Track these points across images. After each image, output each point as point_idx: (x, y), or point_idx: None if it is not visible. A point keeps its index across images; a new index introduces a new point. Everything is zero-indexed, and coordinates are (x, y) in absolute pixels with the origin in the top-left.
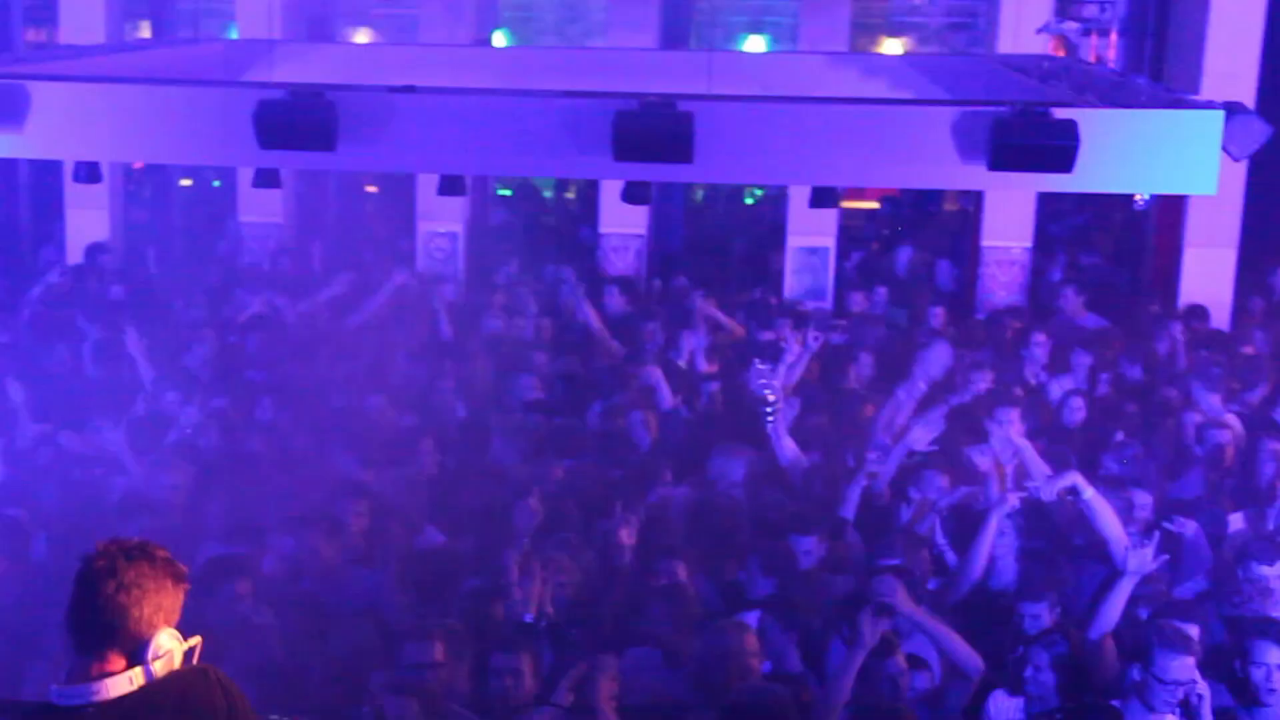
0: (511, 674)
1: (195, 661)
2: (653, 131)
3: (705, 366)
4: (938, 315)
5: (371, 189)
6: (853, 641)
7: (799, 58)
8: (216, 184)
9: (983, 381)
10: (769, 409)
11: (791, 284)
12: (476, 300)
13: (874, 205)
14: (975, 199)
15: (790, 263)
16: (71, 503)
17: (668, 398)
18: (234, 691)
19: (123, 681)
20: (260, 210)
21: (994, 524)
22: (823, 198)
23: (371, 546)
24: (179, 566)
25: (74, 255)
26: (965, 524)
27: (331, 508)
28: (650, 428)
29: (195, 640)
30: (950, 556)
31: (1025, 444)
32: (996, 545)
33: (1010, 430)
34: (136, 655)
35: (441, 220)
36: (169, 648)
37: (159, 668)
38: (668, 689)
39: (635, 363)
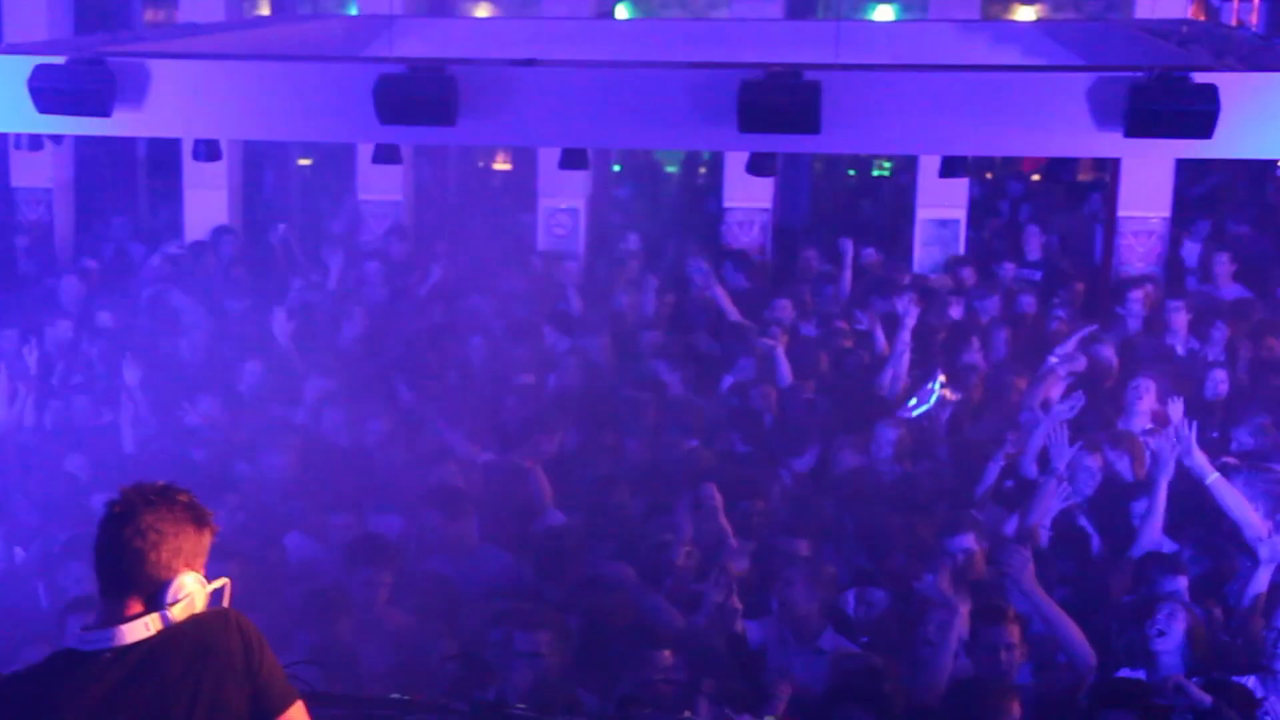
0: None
1: (225, 603)
2: (779, 102)
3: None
4: (1074, 288)
5: (493, 166)
6: (941, 616)
7: (929, 26)
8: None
9: (1119, 355)
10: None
11: (920, 257)
12: (599, 276)
13: (1008, 174)
14: (1112, 168)
15: (919, 235)
16: (185, 482)
17: (787, 374)
18: (253, 635)
19: (139, 626)
20: (379, 188)
21: (1160, 500)
22: (953, 168)
23: (496, 525)
24: (202, 511)
25: (191, 235)
26: (1108, 500)
27: (448, 484)
28: (771, 404)
29: (221, 581)
30: (1092, 533)
31: (1175, 415)
32: (1140, 520)
33: (1149, 403)
34: (155, 599)
35: (563, 196)
36: (189, 591)
37: (177, 612)
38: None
39: (759, 338)
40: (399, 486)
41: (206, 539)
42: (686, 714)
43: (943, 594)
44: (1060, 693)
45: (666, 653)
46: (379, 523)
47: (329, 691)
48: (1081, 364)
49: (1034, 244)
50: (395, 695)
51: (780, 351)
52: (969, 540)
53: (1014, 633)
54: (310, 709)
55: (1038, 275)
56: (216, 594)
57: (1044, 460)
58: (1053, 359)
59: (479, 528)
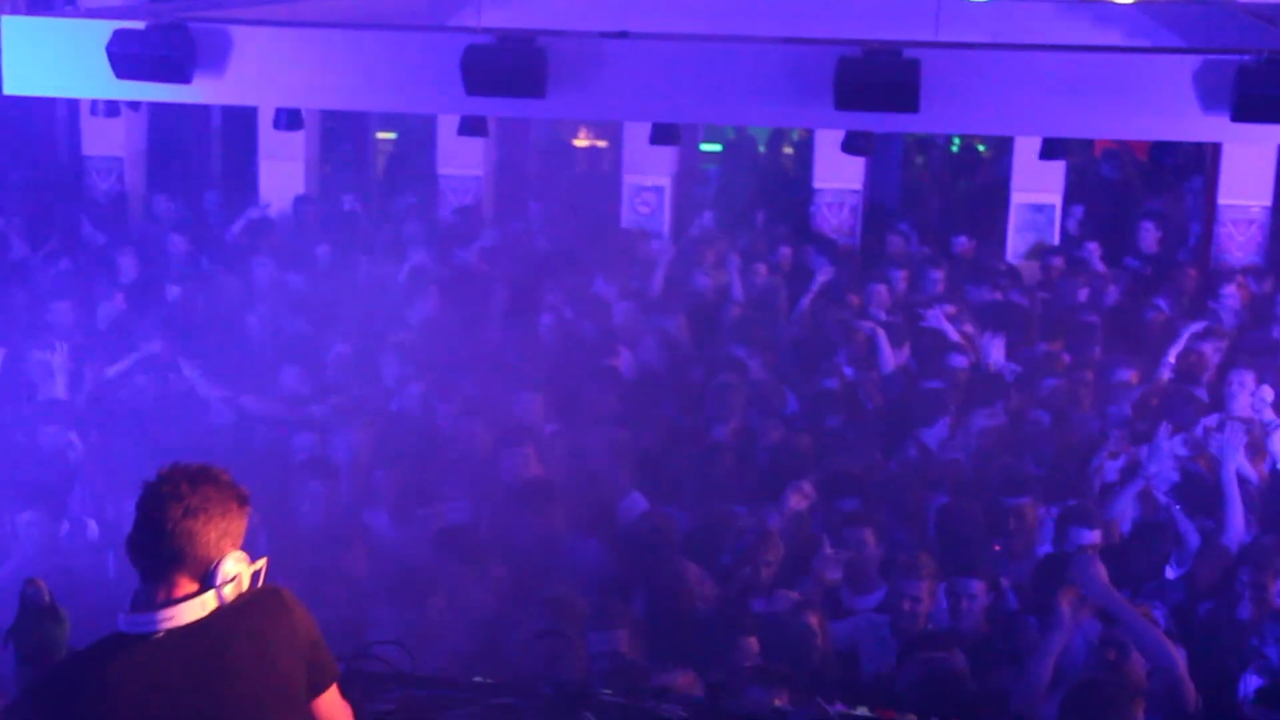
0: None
1: (261, 581)
2: (877, 79)
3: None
4: (1173, 278)
5: (575, 142)
6: (1050, 624)
7: (1030, 5)
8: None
9: (1220, 346)
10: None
11: (1014, 242)
12: (683, 256)
13: (1107, 158)
14: (1211, 155)
15: (1014, 220)
16: (253, 465)
17: (889, 359)
18: (305, 614)
19: (195, 606)
20: (459, 163)
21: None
22: (1052, 150)
23: (579, 511)
24: (242, 489)
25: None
26: (1202, 493)
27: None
28: (872, 390)
29: (262, 562)
30: (1186, 528)
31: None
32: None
33: (1249, 395)
34: (206, 579)
35: (648, 174)
36: (237, 571)
37: (229, 591)
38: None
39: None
40: (480, 468)
41: (246, 517)
42: (777, 702)
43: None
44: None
45: (753, 640)
46: (458, 507)
47: (411, 672)
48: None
49: (1132, 232)
50: (478, 678)
51: (883, 337)
52: (1095, 535)
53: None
54: (393, 688)
55: (1136, 264)
56: (258, 573)
57: (1133, 459)
58: (1170, 360)
59: (563, 515)
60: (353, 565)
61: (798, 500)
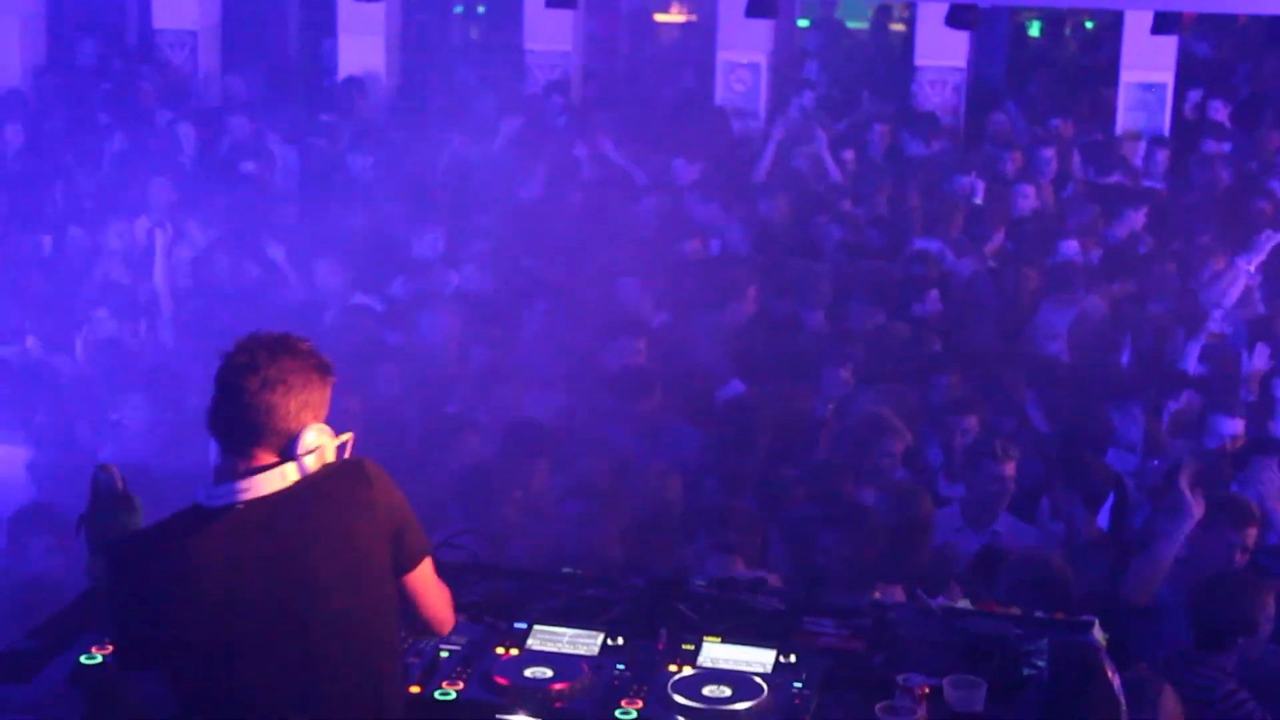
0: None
1: (348, 454)
2: None
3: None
4: None
5: (666, 16)
6: (1174, 509)
7: None
8: None
9: None
10: None
11: (1124, 122)
12: (778, 136)
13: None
14: None
15: (1123, 99)
16: (333, 348)
17: (990, 242)
18: (390, 486)
19: (274, 477)
20: (547, 38)
21: None
22: (1166, 24)
23: (676, 397)
24: (324, 359)
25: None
26: None
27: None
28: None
29: (346, 436)
30: None
31: None
32: None
33: None
34: (286, 451)
35: (743, 50)
36: (319, 443)
37: (310, 462)
38: None
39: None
40: (574, 356)
41: (329, 389)
42: (876, 594)
43: (1178, 484)
44: None
45: (850, 530)
46: (540, 399)
47: (497, 563)
48: None
49: (1247, 113)
50: (567, 569)
51: (974, 219)
52: (1238, 425)
53: (1251, 536)
54: (478, 580)
55: (1247, 146)
56: (342, 447)
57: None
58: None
59: (662, 403)
60: (436, 454)
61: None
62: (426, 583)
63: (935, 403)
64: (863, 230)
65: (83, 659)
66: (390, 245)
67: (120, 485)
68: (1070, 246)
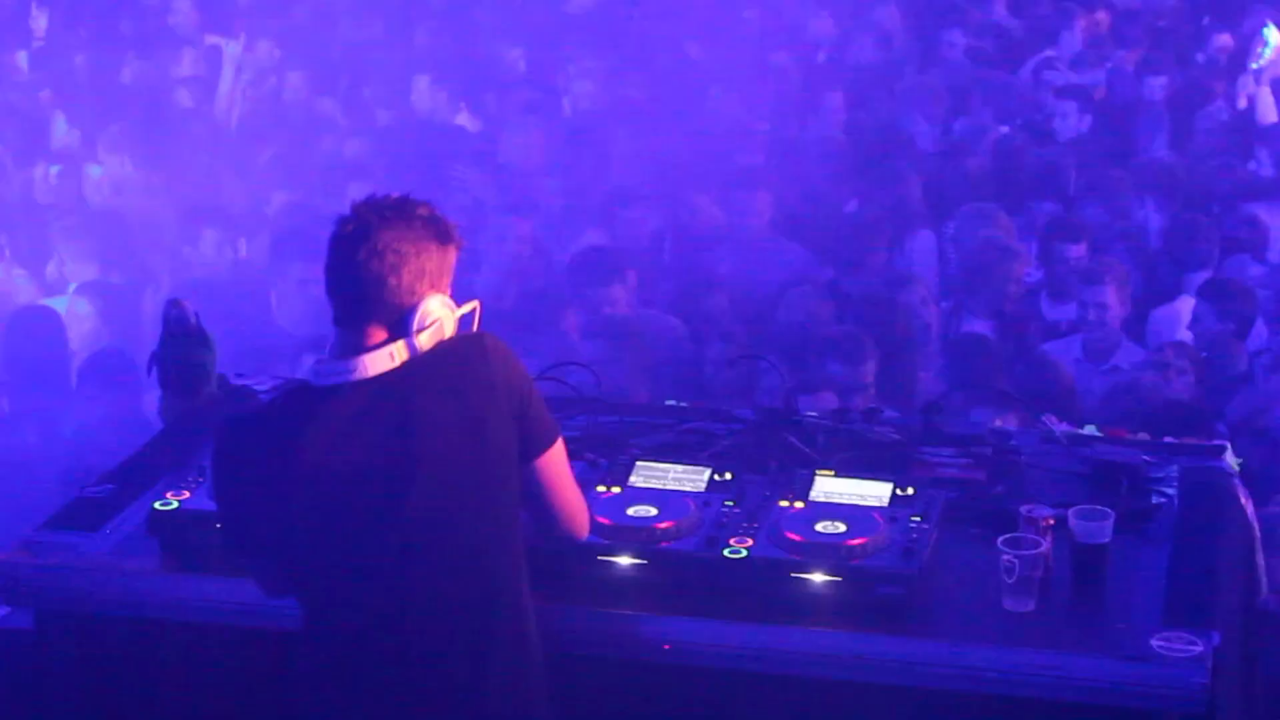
0: None
1: (475, 328)
2: None
3: None
4: None
5: None
6: None
7: None
8: None
9: None
10: None
11: None
12: None
13: None
14: None
15: None
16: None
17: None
18: (512, 363)
19: (383, 357)
20: None
21: None
22: None
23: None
24: (445, 224)
25: None
26: None
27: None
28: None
29: (471, 305)
30: None
31: None
32: None
33: None
34: (401, 326)
35: None
36: (437, 316)
37: (425, 339)
38: None
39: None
40: (670, 169)
41: (451, 256)
42: (998, 422)
43: None
44: None
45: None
46: (635, 213)
47: (598, 396)
48: None
49: None
50: (672, 401)
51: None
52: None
53: None
54: (578, 414)
55: None
56: (466, 319)
57: None
58: None
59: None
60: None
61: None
62: (557, 471)
63: (1041, 225)
64: (981, 33)
65: (157, 505)
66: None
67: (193, 320)
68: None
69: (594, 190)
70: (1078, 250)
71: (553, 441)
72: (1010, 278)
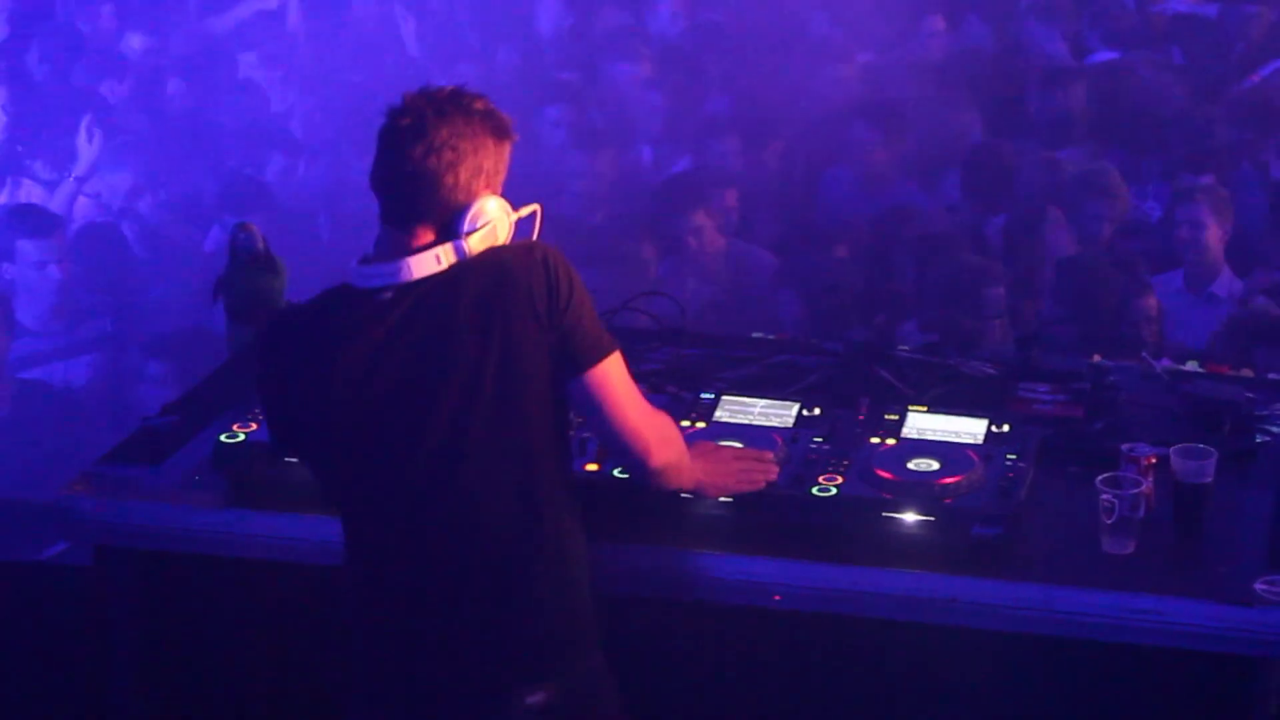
0: None
1: (535, 235)
2: None
3: None
4: None
5: None
6: None
7: None
8: None
9: None
10: None
11: None
12: None
13: None
14: None
15: None
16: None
17: None
18: (562, 273)
19: (428, 260)
20: None
21: None
22: None
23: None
24: (502, 119)
25: None
26: None
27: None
28: None
29: (531, 208)
30: None
31: None
32: None
33: None
34: (449, 228)
35: None
36: (490, 218)
37: (474, 242)
38: None
39: None
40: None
41: (506, 153)
42: (1096, 358)
43: None
44: None
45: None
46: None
47: (681, 328)
48: None
49: None
50: (758, 334)
51: None
52: None
53: None
54: (659, 347)
55: None
56: (524, 222)
57: None
58: None
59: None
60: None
61: None
62: (613, 388)
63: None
64: None
65: (223, 438)
66: None
67: (261, 245)
68: None
69: (686, 120)
70: (1206, 181)
71: (602, 356)
72: (1095, 215)
